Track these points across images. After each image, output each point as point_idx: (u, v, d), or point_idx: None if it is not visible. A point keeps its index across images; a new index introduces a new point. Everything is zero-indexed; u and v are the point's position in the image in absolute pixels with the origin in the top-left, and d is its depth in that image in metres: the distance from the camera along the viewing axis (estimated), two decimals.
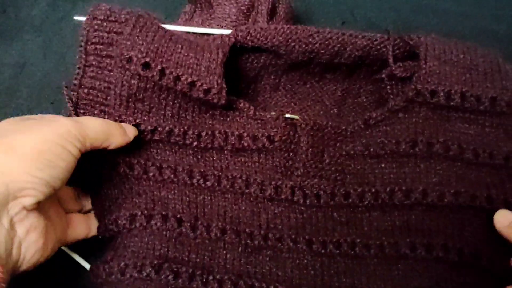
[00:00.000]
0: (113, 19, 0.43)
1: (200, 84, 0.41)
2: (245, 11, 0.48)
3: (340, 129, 0.44)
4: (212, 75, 0.41)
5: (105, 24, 0.43)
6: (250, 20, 0.48)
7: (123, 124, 0.40)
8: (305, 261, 0.42)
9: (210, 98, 0.41)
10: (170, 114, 0.43)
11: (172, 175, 0.42)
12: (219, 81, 0.41)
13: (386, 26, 0.58)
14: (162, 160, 0.43)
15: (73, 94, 0.43)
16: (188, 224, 0.41)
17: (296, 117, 0.43)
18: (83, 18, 0.44)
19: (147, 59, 0.40)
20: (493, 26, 0.57)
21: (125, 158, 0.42)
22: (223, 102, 0.42)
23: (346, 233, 0.42)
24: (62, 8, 0.59)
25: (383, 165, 0.43)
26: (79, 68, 0.43)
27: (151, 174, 0.42)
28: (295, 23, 0.51)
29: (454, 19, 0.58)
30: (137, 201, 0.42)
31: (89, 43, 0.43)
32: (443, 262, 0.41)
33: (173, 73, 0.41)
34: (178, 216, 0.41)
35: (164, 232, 0.41)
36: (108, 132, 0.38)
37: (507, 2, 0.59)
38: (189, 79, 0.41)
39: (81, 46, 0.44)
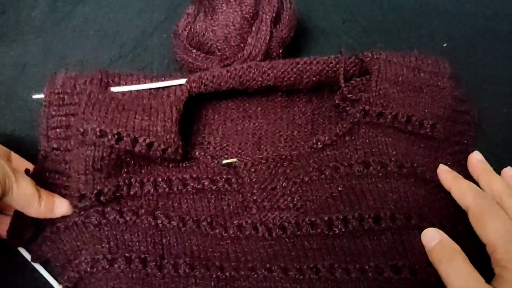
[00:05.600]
0: (68, 102, 0.45)
1: (157, 145, 0.42)
2: (249, 19, 0.48)
3: (285, 157, 0.44)
4: (169, 133, 0.42)
5: (61, 108, 0.45)
6: (253, 28, 0.47)
7: (57, 200, 0.41)
8: None
9: (167, 156, 0.42)
10: (126, 171, 0.43)
11: (135, 217, 0.42)
12: (175, 140, 0.42)
13: (387, 26, 0.58)
14: (121, 205, 0.43)
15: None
16: (153, 264, 0.40)
17: (234, 160, 0.44)
18: (40, 96, 0.46)
19: (102, 127, 0.41)
20: (494, 26, 0.57)
21: (80, 212, 0.42)
22: (179, 157, 0.43)
23: (321, 258, 0.41)
24: (62, 10, 0.58)
25: (340, 189, 0.42)
26: (41, 154, 0.45)
27: (111, 217, 0.42)
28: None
29: (454, 19, 0.58)
30: (99, 247, 0.41)
31: (49, 129, 0.45)
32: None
33: (131, 135, 0.41)
34: (143, 256, 0.41)
35: (130, 275, 0.40)
36: (28, 201, 0.39)
37: (508, 2, 0.59)
38: (147, 141, 0.42)
39: (43, 134, 0.45)
